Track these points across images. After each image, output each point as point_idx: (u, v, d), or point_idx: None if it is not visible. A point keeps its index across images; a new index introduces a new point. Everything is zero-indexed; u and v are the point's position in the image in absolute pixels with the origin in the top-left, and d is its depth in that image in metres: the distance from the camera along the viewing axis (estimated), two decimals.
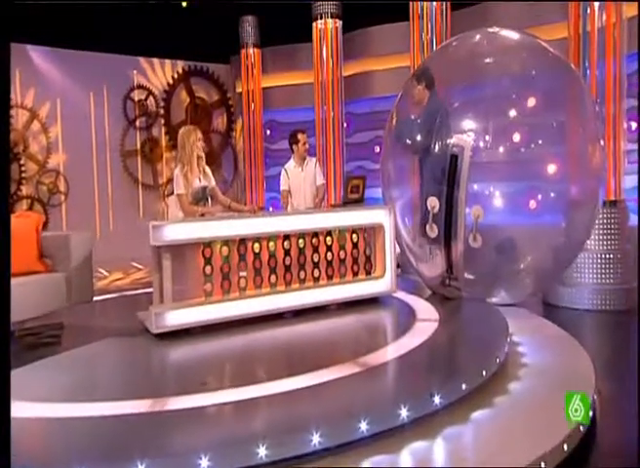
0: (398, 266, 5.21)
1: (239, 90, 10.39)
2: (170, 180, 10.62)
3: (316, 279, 4.31)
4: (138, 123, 10.35)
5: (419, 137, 4.46)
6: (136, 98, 10.28)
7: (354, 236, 4.46)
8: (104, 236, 9.85)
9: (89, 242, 4.16)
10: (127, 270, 8.61)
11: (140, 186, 10.35)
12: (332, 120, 8.15)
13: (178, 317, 3.79)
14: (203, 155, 4.54)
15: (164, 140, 10.65)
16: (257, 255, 4.06)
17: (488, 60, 4.44)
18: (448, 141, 4.15)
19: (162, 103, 10.52)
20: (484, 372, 2.78)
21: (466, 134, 4.13)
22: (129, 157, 10.37)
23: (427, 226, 4.32)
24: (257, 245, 4.06)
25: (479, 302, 4.38)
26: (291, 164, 5.66)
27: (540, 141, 4.33)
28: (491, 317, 3.95)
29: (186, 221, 3.93)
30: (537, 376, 3.16)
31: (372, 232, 4.53)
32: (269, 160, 10.14)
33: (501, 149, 4.25)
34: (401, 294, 4.67)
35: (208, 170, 4.61)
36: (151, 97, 10.41)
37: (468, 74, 4.49)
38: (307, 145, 5.62)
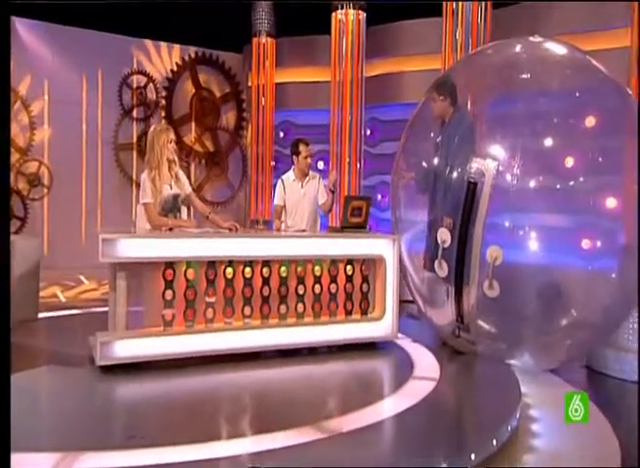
0: (410, 302, 5.04)
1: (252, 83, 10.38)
2: None
3: (300, 315, 4.19)
4: (135, 113, 10.39)
5: (436, 160, 4.32)
6: (134, 85, 10.32)
7: (349, 268, 4.33)
8: (90, 238, 9.84)
9: (37, 250, 4.09)
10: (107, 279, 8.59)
11: (133, 184, 10.35)
12: (349, 125, 8.03)
13: (128, 348, 3.69)
14: (176, 158, 4.46)
15: None
16: (229, 282, 3.96)
17: (525, 75, 4.30)
18: (468, 165, 3.99)
19: (163, 93, 10.55)
20: (472, 456, 2.57)
21: (489, 158, 3.95)
22: (123, 151, 10.40)
23: (436, 263, 4.15)
24: (229, 269, 3.96)
25: (494, 362, 4.17)
26: (289, 176, 5.54)
27: (585, 170, 4.13)
28: (501, 383, 3.75)
29: (145, 236, 3.83)
30: (544, 465, 2.93)
31: (371, 265, 4.40)
32: (281, 165, 10.03)
33: (536, 178, 4.06)
34: (404, 342, 4.54)
35: (182, 175, 4.52)
36: (151, 85, 10.44)
37: (500, 89, 4.35)
38: (310, 160, 5.49)
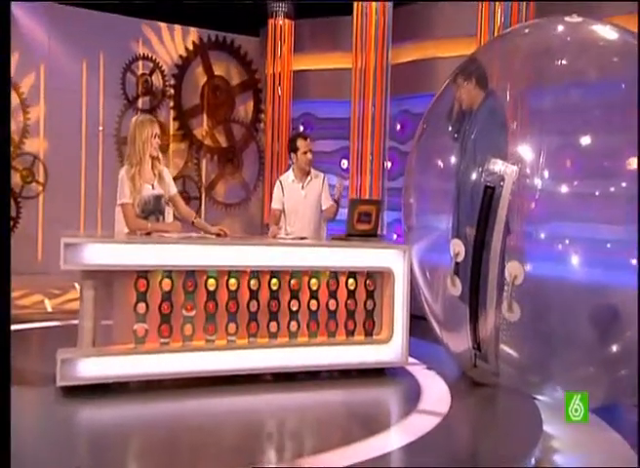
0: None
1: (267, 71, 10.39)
2: (177, 177, 10.69)
3: (293, 334, 4.17)
4: (139, 103, 10.48)
5: (458, 159, 4.23)
6: (139, 72, 10.42)
7: (351, 281, 4.28)
8: None
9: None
10: None
11: None
12: (371, 118, 7.94)
13: (94, 367, 3.70)
14: (160, 155, 4.48)
15: (172, 128, 10.75)
16: (211, 295, 3.95)
17: (563, 62, 4.20)
18: (488, 166, 3.89)
19: (171, 81, 10.62)
20: None
21: (514, 157, 3.86)
22: (126, 145, 10.43)
23: (448, 279, 4.06)
24: (211, 280, 3.95)
25: (517, 397, 4.05)
26: (288, 176, 5.50)
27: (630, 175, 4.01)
28: (520, 422, 3.66)
29: (115, 240, 3.85)
30: None
31: (378, 279, 4.36)
32: None
33: (570, 182, 3.96)
34: (417, 368, 4.49)
35: (167, 174, 4.54)
36: (158, 72, 10.52)
37: (530, 77, 4.26)
38: (310, 155, 5.44)
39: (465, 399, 3.98)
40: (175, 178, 10.47)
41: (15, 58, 9.48)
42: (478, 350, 4.07)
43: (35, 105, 9.76)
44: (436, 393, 3.98)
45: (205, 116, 10.94)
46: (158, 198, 4.45)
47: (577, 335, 4.12)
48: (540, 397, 4.16)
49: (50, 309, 7.26)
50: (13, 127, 9.66)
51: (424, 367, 4.53)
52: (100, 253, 3.66)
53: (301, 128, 10.15)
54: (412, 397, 3.89)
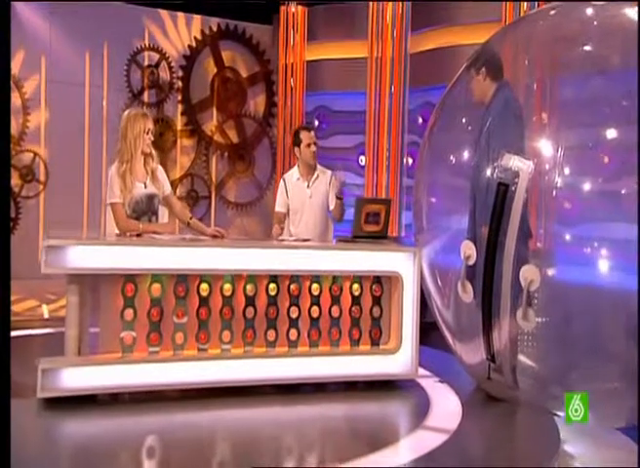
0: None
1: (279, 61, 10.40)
2: (185, 176, 10.76)
3: (292, 343, 4.15)
4: (145, 96, 10.55)
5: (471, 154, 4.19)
6: (144, 63, 10.48)
7: (355, 286, 4.26)
8: None
9: None
10: None
11: None
12: (388, 111, 7.91)
13: (77, 378, 3.72)
14: (153, 152, 4.48)
15: (179, 123, 10.80)
16: (204, 300, 3.95)
17: (587, 48, 4.14)
18: (501, 162, 3.84)
19: (179, 73, 10.67)
20: None
21: (529, 153, 3.80)
22: None
23: (459, 284, 4.01)
24: (204, 285, 3.95)
25: (535, 413, 3.98)
26: (293, 174, 5.46)
27: None
28: (535, 440, 3.59)
29: (100, 243, 3.86)
30: None
31: (385, 284, 4.33)
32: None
33: (593, 179, 3.90)
34: (429, 381, 4.45)
35: (161, 172, 4.55)
36: (164, 64, 10.58)
37: (550, 65, 4.20)
38: (314, 148, 5.40)
39: (477, 414, 3.93)
40: (183, 177, 10.76)
41: (12, 50, 9.56)
42: (492, 361, 4.00)
43: (35, 99, 9.86)
44: (446, 408, 3.94)
45: (215, 110, 10.97)
46: (151, 197, 4.46)
47: (604, 346, 4.06)
48: (560, 413, 4.09)
49: (47, 315, 7.31)
50: (12, 123, 9.76)
51: (436, 379, 4.49)
52: (84, 256, 3.67)
53: (316, 122, 10.14)
54: (419, 412, 3.85)
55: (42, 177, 9.95)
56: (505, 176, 3.78)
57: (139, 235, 4.19)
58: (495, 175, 3.82)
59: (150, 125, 4.44)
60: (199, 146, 10.79)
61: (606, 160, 3.96)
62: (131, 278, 3.79)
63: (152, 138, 4.46)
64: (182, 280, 3.89)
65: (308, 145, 5.34)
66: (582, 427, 4.00)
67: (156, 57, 10.52)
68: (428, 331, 4.98)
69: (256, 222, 11.15)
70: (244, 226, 11.20)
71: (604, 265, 3.99)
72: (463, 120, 4.46)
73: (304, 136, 5.36)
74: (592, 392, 4.17)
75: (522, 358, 4.11)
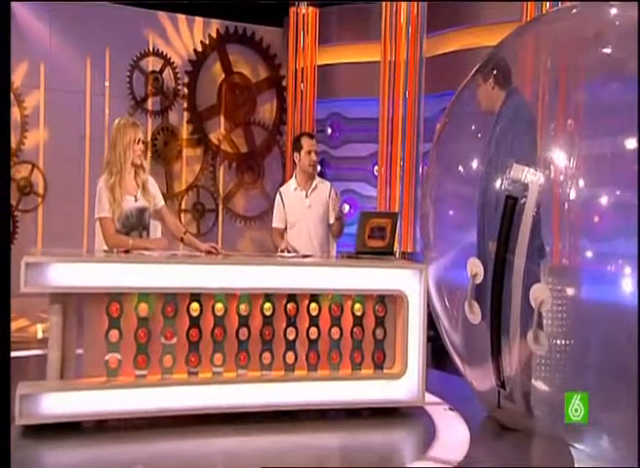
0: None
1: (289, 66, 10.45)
2: (190, 187, 10.81)
3: (289, 367, 4.15)
4: (149, 104, 10.63)
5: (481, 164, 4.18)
6: (148, 70, 10.57)
7: (357, 306, 4.24)
8: None
9: None
10: None
11: None
12: (402, 118, 7.91)
13: (59, 404, 3.72)
14: (144, 163, 4.51)
15: (185, 132, 10.86)
16: (194, 321, 3.95)
17: (607, 50, 4.13)
18: (510, 174, 3.83)
19: (185, 79, 10.76)
20: None
21: (540, 164, 3.78)
22: None
23: (466, 304, 3.98)
24: (195, 304, 3.95)
25: (550, 445, 3.93)
26: (290, 185, 5.49)
27: None
28: None
29: (83, 260, 3.89)
30: None
31: (389, 304, 4.31)
32: (329, 171, 10.03)
33: (610, 191, 3.87)
34: (437, 409, 4.40)
35: (152, 184, 4.58)
36: (169, 69, 10.67)
37: (565, 70, 4.16)
38: (315, 156, 5.42)
39: (486, 445, 3.91)
40: (188, 189, 10.82)
41: (19, 64, 9.70)
42: (503, 388, 3.96)
43: (34, 109, 9.96)
44: (453, 437, 3.90)
45: (222, 118, 11.03)
46: (141, 211, 4.48)
47: (625, 370, 4.01)
48: (578, 446, 4.03)
49: (40, 335, 7.35)
50: (10, 134, 9.86)
51: (446, 406, 4.45)
52: (66, 274, 3.70)
53: (329, 130, 10.16)
54: (423, 442, 3.84)
55: (40, 190, 10.03)
56: (514, 189, 3.76)
57: (126, 251, 4.20)
58: (503, 188, 3.80)
59: (141, 135, 4.48)
60: (206, 156, 10.85)
61: (619, 172, 3.93)
62: (116, 297, 3.80)
63: (143, 149, 4.49)
64: (171, 299, 3.89)
65: (309, 153, 5.37)
66: (603, 461, 3.98)
67: (160, 62, 10.60)
68: (442, 354, 4.97)
69: (264, 236, 11.15)
70: (252, 241, 11.23)
71: (627, 284, 3.97)
72: (472, 128, 4.47)
73: (306, 142, 5.39)
74: (614, 421, 4.13)
75: (537, 384, 4.09)
